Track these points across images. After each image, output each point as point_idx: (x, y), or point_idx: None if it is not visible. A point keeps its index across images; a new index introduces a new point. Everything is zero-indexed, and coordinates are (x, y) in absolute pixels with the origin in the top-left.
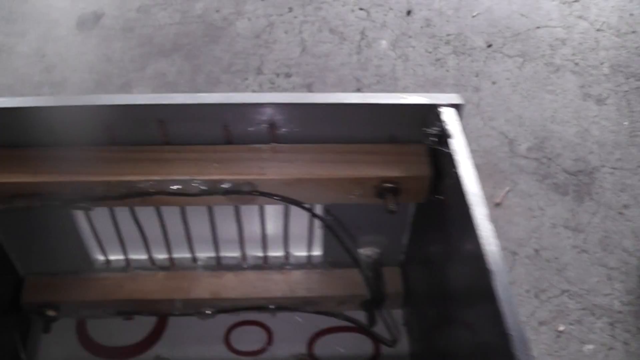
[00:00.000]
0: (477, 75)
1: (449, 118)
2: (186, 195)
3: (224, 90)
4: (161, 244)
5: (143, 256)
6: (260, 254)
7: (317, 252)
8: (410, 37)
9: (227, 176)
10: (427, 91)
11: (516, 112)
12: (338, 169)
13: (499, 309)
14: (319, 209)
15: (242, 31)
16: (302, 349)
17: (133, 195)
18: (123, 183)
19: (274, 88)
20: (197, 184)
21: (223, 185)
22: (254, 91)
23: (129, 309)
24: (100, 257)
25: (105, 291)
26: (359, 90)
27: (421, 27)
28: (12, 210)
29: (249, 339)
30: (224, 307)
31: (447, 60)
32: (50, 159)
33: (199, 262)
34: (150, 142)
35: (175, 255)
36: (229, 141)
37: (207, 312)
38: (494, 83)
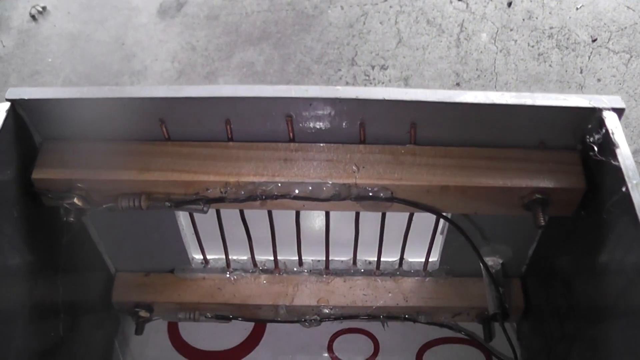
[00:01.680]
0: (581, 72)
1: (613, 124)
2: (314, 200)
3: (316, 81)
4: (266, 245)
5: (244, 257)
6: (372, 258)
7: (432, 258)
8: (511, 30)
9: (363, 180)
10: (530, 87)
11: None
12: (484, 177)
13: None
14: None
15: (335, 20)
16: None
17: (255, 198)
18: (244, 184)
19: (368, 80)
20: (328, 188)
21: (357, 190)
22: (347, 83)
23: (228, 313)
24: (198, 257)
25: (202, 293)
26: (457, 85)
27: (523, 19)
28: (115, 211)
29: (353, 348)
30: (330, 315)
31: (550, 55)
32: (160, 154)
33: (305, 266)
34: (273, 138)
35: (280, 257)
36: (362, 140)
37: (313, 319)
38: (599, 80)
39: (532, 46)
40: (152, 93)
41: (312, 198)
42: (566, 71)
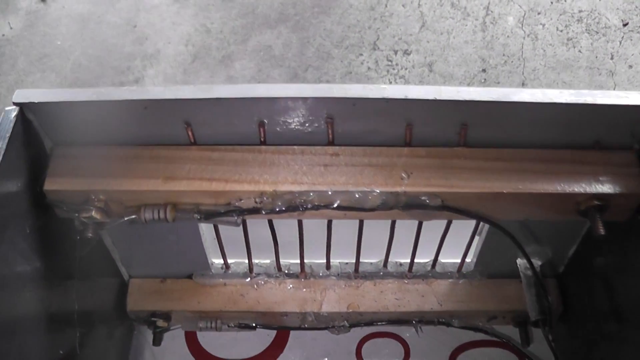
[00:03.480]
0: (612, 58)
1: None
2: (359, 210)
3: (337, 66)
4: (288, 247)
5: (266, 260)
6: (404, 260)
7: (467, 259)
8: (539, 13)
9: (411, 188)
10: (559, 73)
11: None
12: (539, 182)
13: None
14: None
15: (356, 2)
16: None
17: (294, 209)
18: (281, 194)
19: (391, 66)
20: (374, 197)
21: (405, 199)
22: (369, 68)
23: (252, 321)
24: (218, 261)
25: (224, 300)
26: (484, 71)
27: (551, 2)
28: (138, 223)
29: (383, 353)
30: (361, 320)
31: (580, 40)
32: (186, 160)
33: (333, 269)
34: (311, 141)
35: (306, 260)
36: (408, 142)
37: (342, 326)
38: (630, 67)
39: (561, 30)
40: (177, 94)
41: (357, 208)
42: (596, 57)
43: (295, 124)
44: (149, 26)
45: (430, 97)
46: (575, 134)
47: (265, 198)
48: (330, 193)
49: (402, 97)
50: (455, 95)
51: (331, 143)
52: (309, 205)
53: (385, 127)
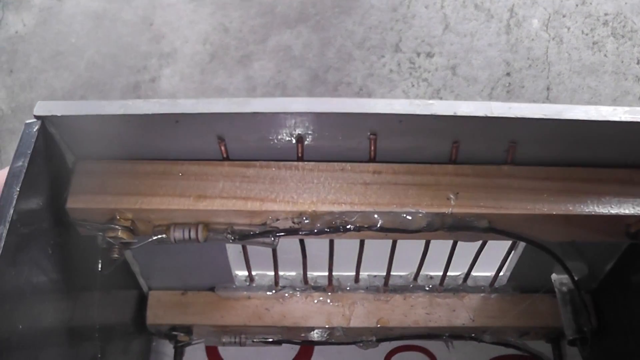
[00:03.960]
0: (638, 63)
1: None
2: (403, 232)
3: (358, 67)
4: (318, 261)
5: (292, 272)
6: (435, 273)
7: (501, 272)
8: (564, 16)
9: (459, 209)
10: (584, 78)
11: None
12: (589, 204)
13: None
14: None
15: (377, 3)
16: None
17: (334, 230)
18: (321, 215)
19: (414, 68)
20: (419, 218)
21: (451, 220)
22: (391, 71)
23: (278, 336)
24: (241, 273)
25: (248, 315)
26: (508, 74)
27: (576, 4)
28: (167, 243)
29: None
30: (390, 335)
31: (605, 44)
32: (218, 176)
33: (361, 282)
34: (349, 158)
35: (334, 272)
36: (453, 160)
37: (370, 341)
38: None
39: (586, 34)
40: (211, 108)
41: (401, 230)
42: (622, 62)
43: (335, 139)
44: (165, 24)
45: (481, 113)
46: (627, 153)
47: (304, 219)
48: (375, 215)
49: (451, 113)
50: (506, 112)
51: (372, 160)
52: (351, 227)
53: (430, 143)
